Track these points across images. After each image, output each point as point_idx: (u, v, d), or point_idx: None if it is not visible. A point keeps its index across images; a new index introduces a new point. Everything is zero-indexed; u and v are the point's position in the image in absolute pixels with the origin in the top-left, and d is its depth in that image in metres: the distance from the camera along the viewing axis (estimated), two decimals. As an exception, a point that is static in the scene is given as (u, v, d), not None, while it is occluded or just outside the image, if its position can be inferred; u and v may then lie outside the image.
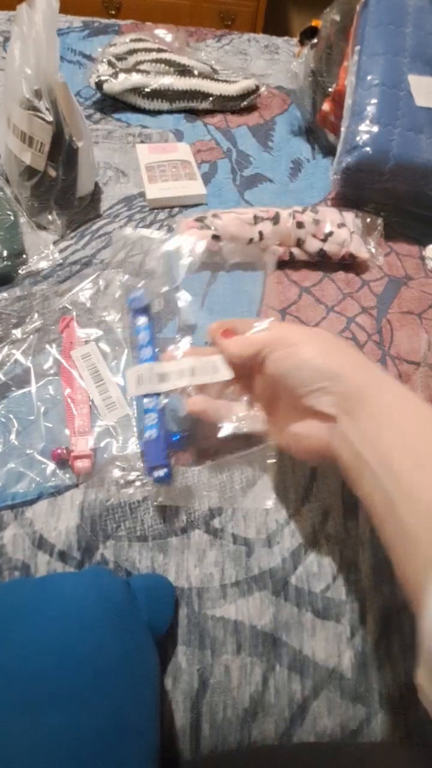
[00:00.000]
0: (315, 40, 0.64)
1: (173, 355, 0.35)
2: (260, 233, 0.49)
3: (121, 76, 0.67)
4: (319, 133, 0.67)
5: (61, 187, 0.51)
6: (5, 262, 0.47)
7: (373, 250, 0.53)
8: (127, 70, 0.68)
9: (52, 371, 0.41)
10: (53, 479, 0.36)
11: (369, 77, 0.55)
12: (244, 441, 0.35)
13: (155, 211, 0.56)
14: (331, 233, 0.50)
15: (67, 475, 0.36)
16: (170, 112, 0.70)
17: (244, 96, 0.71)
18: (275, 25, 1.74)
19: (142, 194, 0.58)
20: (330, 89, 0.62)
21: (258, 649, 0.32)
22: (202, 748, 0.31)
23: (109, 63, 0.68)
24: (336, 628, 0.33)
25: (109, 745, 0.25)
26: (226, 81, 0.71)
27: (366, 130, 0.53)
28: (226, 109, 0.71)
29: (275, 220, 0.50)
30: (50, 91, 0.46)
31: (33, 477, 0.36)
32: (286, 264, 0.52)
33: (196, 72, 0.70)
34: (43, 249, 0.50)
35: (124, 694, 0.26)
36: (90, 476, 0.36)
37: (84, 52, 0.79)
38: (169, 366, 0.34)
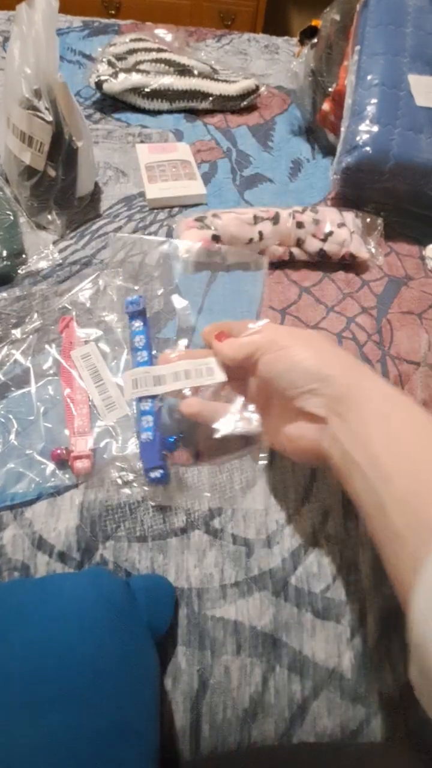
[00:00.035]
0: (315, 40, 0.64)
1: (170, 357, 0.36)
2: (260, 233, 0.49)
3: (121, 75, 0.67)
4: (319, 132, 0.67)
5: (60, 187, 0.50)
6: (5, 262, 0.47)
7: (373, 250, 0.53)
8: (127, 70, 0.68)
9: (51, 371, 0.41)
10: (53, 479, 0.36)
11: (369, 77, 0.55)
12: (239, 442, 0.36)
13: (155, 211, 0.56)
14: (331, 233, 0.50)
15: (67, 476, 0.36)
16: (170, 111, 0.70)
17: (244, 96, 0.71)
18: (275, 25, 1.74)
19: (141, 194, 0.58)
20: (330, 89, 0.62)
21: (258, 649, 0.32)
22: (202, 749, 0.30)
23: (109, 63, 0.68)
24: (336, 628, 0.33)
25: (108, 745, 0.25)
26: (226, 81, 0.71)
27: (366, 129, 0.53)
28: (226, 108, 0.71)
29: (275, 220, 0.50)
30: (50, 90, 0.46)
31: (32, 477, 0.36)
32: (286, 264, 0.52)
33: (196, 72, 0.70)
34: (43, 249, 0.50)
35: (123, 695, 0.26)
36: (90, 477, 0.36)
37: (84, 52, 0.79)
38: (164, 369, 0.35)
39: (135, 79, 0.67)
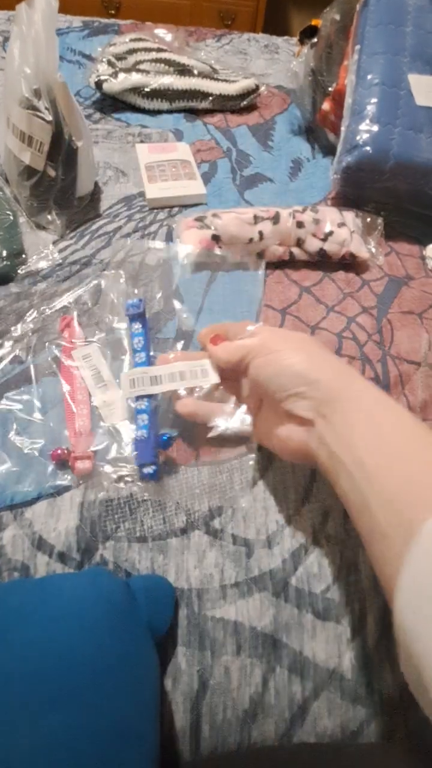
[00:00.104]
0: (315, 40, 0.64)
1: (168, 359, 0.38)
2: (260, 233, 0.49)
3: (121, 75, 0.67)
4: (319, 132, 0.67)
5: (60, 187, 0.50)
6: (4, 262, 0.47)
7: (374, 250, 0.53)
8: (127, 70, 0.68)
9: (52, 371, 0.41)
10: (53, 480, 0.36)
11: (369, 76, 0.55)
12: (233, 441, 0.37)
13: (155, 210, 0.56)
14: (331, 233, 0.50)
15: (67, 476, 0.36)
16: (170, 111, 0.70)
17: (243, 95, 0.71)
18: (275, 25, 1.74)
19: (141, 194, 0.58)
20: (330, 88, 0.62)
21: (258, 650, 0.32)
22: (202, 749, 0.30)
23: (109, 63, 0.68)
24: (336, 629, 0.33)
25: (108, 745, 0.25)
26: (225, 80, 0.71)
27: (366, 129, 0.53)
28: (225, 108, 0.71)
29: (275, 219, 0.50)
30: (49, 90, 0.46)
31: (32, 477, 0.36)
32: (286, 264, 0.52)
33: (195, 71, 0.70)
34: (43, 249, 0.50)
35: (123, 695, 0.26)
36: (90, 477, 0.36)
37: (84, 52, 0.79)
38: (160, 369, 0.36)
39: (135, 78, 0.67)
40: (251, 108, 0.73)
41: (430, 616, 0.21)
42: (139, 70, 0.68)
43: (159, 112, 0.70)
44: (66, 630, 0.27)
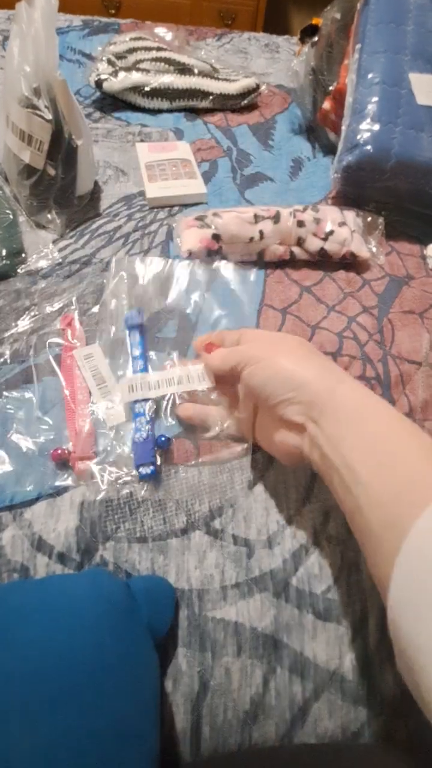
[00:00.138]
0: (315, 39, 0.64)
1: (166, 367, 0.40)
2: (261, 232, 0.49)
3: (121, 74, 0.67)
4: (319, 131, 0.67)
5: (60, 186, 0.50)
6: (4, 261, 0.47)
7: (374, 249, 0.53)
8: (127, 69, 0.68)
9: (52, 370, 0.41)
10: (53, 480, 0.35)
11: (370, 75, 0.55)
12: (230, 442, 0.38)
13: (155, 210, 0.56)
14: (331, 232, 0.50)
15: (66, 476, 0.36)
16: (170, 110, 0.70)
17: (244, 95, 0.71)
18: (275, 25, 1.74)
19: (141, 193, 0.58)
20: (331, 87, 0.62)
21: (259, 651, 0.32)
22: (203, 750, 0.30)
23: (109, 62, 0.68)
24: (337, 629, 0.33)
25: (108, 747, 0.24)
26: (226, 80, 0.71)
27: (367, 128, 0.52)
28: (226, 107, 0.71)
29: (276, 218, 0.50)
30: (49, 89, 0.46)
31: (32, 477, 0.35)
32: (286, 263, 0.52)
33: (196, 71, 0.70)
34: (43, 248, 0.50)
35: (123, 696, 0.26)
36: (90, 477, 0.36)
37: (84, 51, 0.79)
38: (157, 375, 0.38)
39: (135, 77, 0.67)
40: (252, 107, 0.73)
41: (420, 614, 0.21)
42: (139, 69, 0.68)
43: (159, 111, 0.70)
44: (66, 630, 0.26)
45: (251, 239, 0.49)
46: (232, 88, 0.70)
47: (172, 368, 0.39)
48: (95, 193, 0.56)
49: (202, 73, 0.70)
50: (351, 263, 0.52)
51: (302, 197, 0.60)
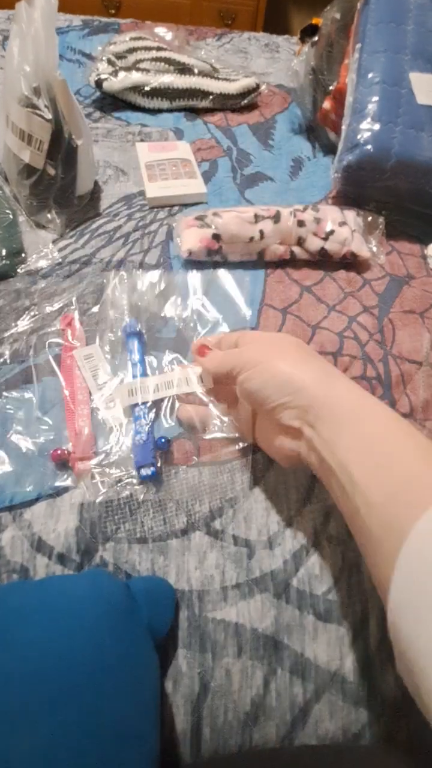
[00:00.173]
0: (316, 38, 0.64)
1: (166, 370, 0.41)
2: (261, 232, 0.49)
3: (121, 74, 0.67)
4: (319, 131, 0.67)
5: (60, 186, 0.50)
6: (4, 261, 0.47)
7: (375, 249, 0.53)
8: (127, 69, 0.68)
9: (53, 371, 0.41)
10: (52, 480, 0.35)
11: (370, 75, 0.55)
12: (228, 443, 0.38)
13: (155, 209, 0.56)
14: (332, 232, 0.50)
15: (66, 477, 0.36)
16: (170, 110, 0.70)
17: (244, 94, 0.71)
18: (275, 25, 1.74)
19: (141, 193, 0.57)
20: (331, 87, 0.62)
21: (259, 652, 0.32)
22: (203, 752, 0.30)
23: (109, 61, 0.68)
24: (338, 630, 0.33)
25: (108, 747, 0.24)
26: (226, 79, 0.71)
27: (367, 128, 0.52)
28: (226, 107, 0.71)
29: (276, 218, 0.49)
30: (49, 88, 0.46)
31: (32, 478, 0.35)
32: (287, 263, 0.52)
33: (196, 70, 0.70)
34: (42, 248, 0.50)
35: (123, 696, 0.26)
36: (90, 478, 0.36)
37: (84, 51, 0.79)
38: (155, 379, 0.39)
39: (135, 77, 0.67)
40: (252, 107, 0.73)
41: (421, 616, 0.21)
42: (139, 69, 0.68)
43: (159, 110, 0.70)
44: (66, 631, 0.26)
45: (251, 239, 0.49)
46: (232, 87, 0.70)
47: (171, 371, 0.40)
48: (95, 192, 0.56)
49: (202, 73, 0.70)
50: (351, 263, 0.52)
51: (302, 197, 0.60)
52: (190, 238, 0.49)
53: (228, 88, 0.70)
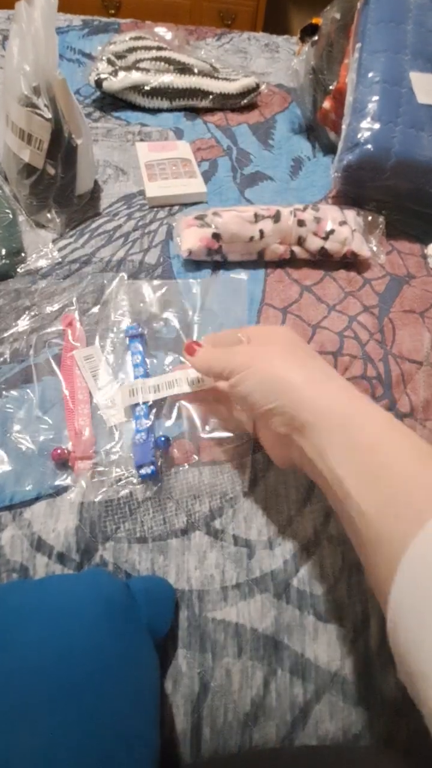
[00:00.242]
0: (315, 38, 0.64)
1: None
2: (261, 231, 0.49)
3: (121, 74, 0.67)
4: (319, 131, 0.67)
5: (60, 185, 0.50)
6: (4, 261, 0.47)
7: (375, 249, 0.53)
8: (127, 68, 0.68)
9: (52, 370, 0.41)
10: (52, 480, 0.35)
11: (370, 74, 0.55)
12: (227, 443, 0.38)
13: (155, 209, 0.56)
14: (332, 231, 0.50)
15: (66, 476, 0.35)
16: (170, 110, 0.70)
17: (244, 94, 0.71)
18: (275, 25, 1.74)
19: (141, 192, 0.57)
20: (331, 87, 0.62)
21: (259, 652, 0.32)
22: (203, 752, 0.30)
23: (109, 61, 0.68)
24: (338, 631, 0.32)
25: (108, 746, 0.24)
26: (226, 79, 0.71)
27: (367, 127, 0.52)
28: (226, 107, 0.71)
29: (276, 218, 0.49)
30: (49, 88, 0.46)
31: (32, 477, 0.35)
32: (287, 262, 0.51)
33: (196, 70, 0.70)
34: (42, 247, 0.50)
35: (123, 696, 0.26)
36: (90, 477, 0.35)
37: (83, 51, 0.79)
38: (155, 380, 0.38)
39: (135, 77, 0.67)
40: (252, 106, 0.73)
41: (424, 621, 0.21)
42: (139, 69, 0.68)
43: (159, 110, 0.69)
44: (65, 631, 0.26)
45: (251, 238, 0.49)
46: (231, 87, 0.70)
47: (172, 371, 0.39)
48: (95, 192, 0.56)
49: (202, 73, 0.70)
50: (351, 262, 0.52)
51: (302, 196, 0.60)
52: (190, 237, 0.49)
53: (228, 87, 0.70)
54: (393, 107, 0.53)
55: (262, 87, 0.72)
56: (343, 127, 0.56)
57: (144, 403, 0.38)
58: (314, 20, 0.65)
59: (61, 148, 0.48)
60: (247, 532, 0.35)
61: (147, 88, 0.67)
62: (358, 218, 0.53)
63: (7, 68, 0.47)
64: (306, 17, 0.66)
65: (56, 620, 0.27)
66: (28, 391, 0.39)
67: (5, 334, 0.43)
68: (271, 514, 0.36)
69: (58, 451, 0.36)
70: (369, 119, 0.53)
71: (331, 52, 0.63)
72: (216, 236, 0.48)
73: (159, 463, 0.36)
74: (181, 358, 0.42)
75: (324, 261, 0.51)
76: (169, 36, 0.75)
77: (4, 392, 0.39)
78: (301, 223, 0.50)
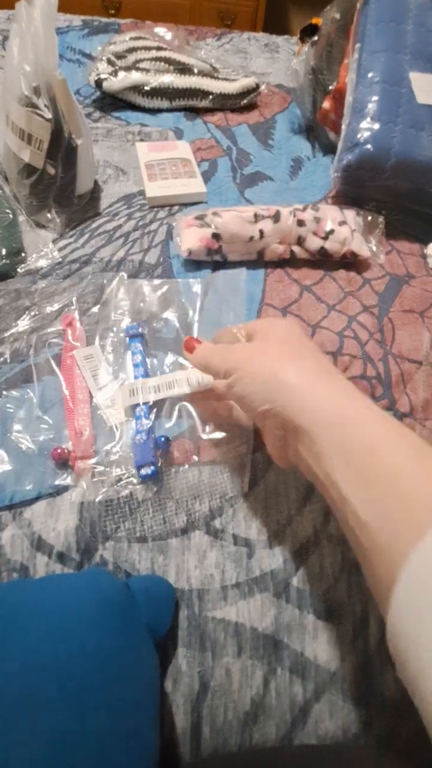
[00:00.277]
0: (315, 38, 0.64)
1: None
2: (261, 231, 0.49)
3: (121, 74, 0.67)
4: (319, 131, 0.67)
5: (60, 185, 0.50)
6: (4, 261, 0.47)
7: (375, 248, 0.53)
8: (127, 69, 0.68)
9: (53, 370, 0.41)
10: (52, 479, 0.35)
11: (370, 74, 0.55)
12: (227, 444, 0.38)
13: (155, 209, 0.56)
14: (332, 231, 0.50)
15: (66, 476, 0.36)
16: (170, 110, 0.70)
17: (244, 94, 0.71)
18: (275, 25, 1.74)
19: (141, 192, 0.57)
20: (330, 87, 0.62)
21: (259, 651, 0.32)
22: (203, 751, 0.30)
23: (109, 61, 0.68)
24: (338, 630, 0.33)
25: (108, 746, 0.24)
26: (226, 79, 0.71)
27: (367, 127, 0.52)
28: (226, 107, 0.71)
29: (276, 218, 0.49)
30: (49, 88, 0.46)
31: (32, 477, 0.35)
32: (286, 262, 0.52)
33: (195, 70, 0.70)
34: (42, 247, 0.50)
35: (122, 696, 0.26)
36: (90, 476, 0.36)
37: (84, 51, 0.79)
38: (156, 380, 0.38)
39: (135, 77, 0.67)
40: (251, 107, 0.73)
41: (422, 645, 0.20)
42: (139, 69, 0.68)
43: (159, 110, 0.70)
44: (65, 630, 0.26)
45: (251, 238, 0.49)
46: (231, 87, 0.70)
47: (173, 372, 0.39)
48: (95, 192, 0.56)
49: (202, 73, 0.70)
50: (351, 262, 0.52)
51: (302, 196, 0.60)
52: (190, 237, 0.49)
53: (228, 88, 0.70)
54: (393, 107, 0.53)
55: (262, 87, 0.72)
56: (343, 127, 0.56)
57: (144, 403, 0.38)
58: (314, 20, 0.65)
59: (61, 148, 0.48)
60: (247, 532, 0.35)
61: (147, 88, 0.67)
62: (358, 218, 0.53)
63: (7, 68, 0.47)
64: (306, 17, 0.66)
65: (56, 619, 0.27)
66: (29, 390, 0.39)
67: (5, 334, 0.43)
68: (270, 514, 0.36)
69: (58, 450, 0.36)
70: (369, 119, 0.53)
71: (330, 52, 0.63)
72: (216, 236, 0.48)
73: (159, 464, 0.36)
74: (181, 360, 0.42)
75: (324, 261, 0.51)
76: (169, 36, 0.75)
77: (4, 392, 0.39)
78: (300, 223, 0.50)
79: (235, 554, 0.34)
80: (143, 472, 0.35)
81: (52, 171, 0.49)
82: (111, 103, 0.69)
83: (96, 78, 0.67)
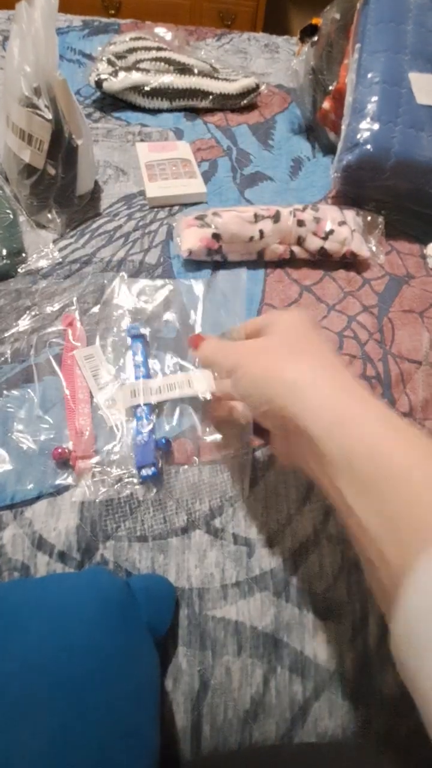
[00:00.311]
0: (315, 38, 0.64)
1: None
2: (261, 231, 0.49)
3: (121, 74, 0.67)
4: (319, 131, 0.67)
5: (60, 186, 0.50)
6: (4, 261, 0.47)
7: (374, 249, 0.53)
8: (127, 69, 0.68)
9: (53, 370, 0.41)
10: (53, 479, 0.35)
11: (370, 75, 0.55)
12: (227, 443, 0.38)
13: (155, 209, 0.56)
14: (331, 231, 0.50)
15: (67, 475, 0.36)
16: (170, 110, 0.70)
17: (244, 94, 0.71)
18: (275, 25, 1.74)
19: (142, 193, 0.58)
20: (330, 87, 0.62)
21: (259, 650, 0.32)
22: (203, 749, 0.30)
23: (109, 61, 0.68)
24: (337, 629, 0.33)
25: (108, 745, 0.24)
26: (226, 79, 0.71)
27: (367, 127, 0.52)
28: (226, 107, 0.71)
29: (276, 218, 0.50)
30: (49, 88, 0.46)
31: (33, 476, 0.35)
32: (286, 262, 0.52)
33: (196, 70, 0.70)
34: (43, 248, 0.50)
35: (123, 695, 0.26)
36: (91, 476, 0.36)
37: (84, 51, 0.79)
38: (158, 381, 0.39)
39: (135, 77, 0.67)
40: (251, 107, 0.73)
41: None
42: (139, 69, 0.68)
43: (159, 110, 0.70)
44: (66, 629, 0.26)
45: (251, 238, 0.49)
46: (231, 87, 0.70)
47: (174, 373, 0.40)
48: (95, 192, 0.56)
49: (202, 73, 0.70)
50: (351, 262, 0.52)
51: (302, 197, 0.60)
52: (190, 237, 0.49)
53: (228, 88, 0.70)
54: (392, 107, 0.53)
55: (262, 87, 0.72)
56: (343, 127, 0.56)
57: (145, 404, 0.38)
58: (314, 20, 0.65)
59: (62, 148, 0.48)
60: (247, 531, 0.35)
61: (147, 88, 0.67)
62: (358, 218, 0.53)
63: (8, 69, 0.47)
64: (306, 17, 0.66)
65: (57, 618, 0.27)
66: (29, 390, 0.39)
67: (6, 334, 0.43)
68: (270, 513, 0.36)
69: (59, 450, 0.36)
70: (368, 119, 0.53)
71: (330, 52, 0.63)
72: (216, 236, 0.49)
73: (160, 464, 0.36)
74: (182, 361, 0.42)
75: (323, 261, 0.51)
76: (169, 36, 0.75)
77: (5, 392, 0.39)
78: (300, 223, 0.50)
79: (235, 553, 0.34)
80: (144, 473, 0.36)
81: (52, 171, 0.49)
82: (111, 103, 0.70)
83: (96, 78, 0.67)
